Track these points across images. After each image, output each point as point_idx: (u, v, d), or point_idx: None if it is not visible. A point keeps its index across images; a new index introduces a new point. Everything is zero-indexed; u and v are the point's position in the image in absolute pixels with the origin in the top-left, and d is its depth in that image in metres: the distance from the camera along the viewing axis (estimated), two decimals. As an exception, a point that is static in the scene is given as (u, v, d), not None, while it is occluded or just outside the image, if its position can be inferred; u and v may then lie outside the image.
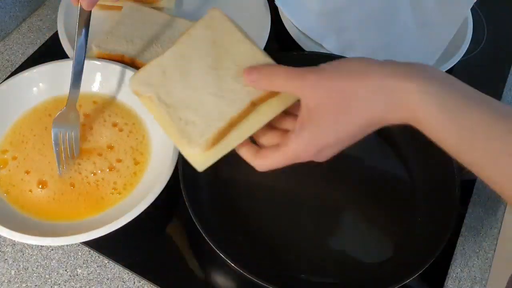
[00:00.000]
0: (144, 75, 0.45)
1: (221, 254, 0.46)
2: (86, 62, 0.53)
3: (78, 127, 0.54)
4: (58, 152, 0.53)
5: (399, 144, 0.60)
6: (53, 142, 0.53)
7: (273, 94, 0.43)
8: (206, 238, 0.46)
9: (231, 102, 0.43)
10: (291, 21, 0.70)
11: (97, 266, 0.53)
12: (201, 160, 0.44)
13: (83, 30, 0.51)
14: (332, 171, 0.59)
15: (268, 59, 0.44)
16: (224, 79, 0.44)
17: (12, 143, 0.55)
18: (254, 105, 0.43)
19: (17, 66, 0.67)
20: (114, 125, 0.57)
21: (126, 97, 0.59)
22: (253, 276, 0.44)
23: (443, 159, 0.53)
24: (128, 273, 0.52)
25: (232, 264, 0.45)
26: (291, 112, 0.45)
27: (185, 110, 0.43)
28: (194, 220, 0.47)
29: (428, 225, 0.54)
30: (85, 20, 0.50)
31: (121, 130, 0.57)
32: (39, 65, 0.57)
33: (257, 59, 0.44)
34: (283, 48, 0.72)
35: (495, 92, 0.71)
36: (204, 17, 0.46)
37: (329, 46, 0.69)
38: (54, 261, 0.53)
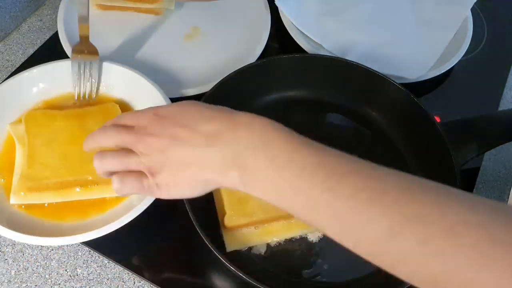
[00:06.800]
0: None
1: (219, 256, 0.46)
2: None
3: (97, 62, 0.56)
4: (78, 82, 0.57)
5: (397, 142, 0.60)
6: (73, 73, 0.57)
7: None
8: (204, 239, 0.46)
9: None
10: (291, 21, 0.70)
11: (97, 266, 0.53)
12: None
13: None
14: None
15: None
16: None
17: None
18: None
19: (17, 66, 0.67)
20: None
21: (126, 97, 0.59)
22: (251, 278, 0.44)
23: (443, 158, 0.53)
24: (128, 273, 0.52)
25: (230, 266, 0.45)
26: None
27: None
28: (193, 221, 0.47)
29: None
30: None
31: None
32: (39, 65, 0.57)
33: None
34: (283, 48, 0.72)
35: (495, 92, 0.71)
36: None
37: (329, 46, 0.69)
38: (54, 261, 0.53)
